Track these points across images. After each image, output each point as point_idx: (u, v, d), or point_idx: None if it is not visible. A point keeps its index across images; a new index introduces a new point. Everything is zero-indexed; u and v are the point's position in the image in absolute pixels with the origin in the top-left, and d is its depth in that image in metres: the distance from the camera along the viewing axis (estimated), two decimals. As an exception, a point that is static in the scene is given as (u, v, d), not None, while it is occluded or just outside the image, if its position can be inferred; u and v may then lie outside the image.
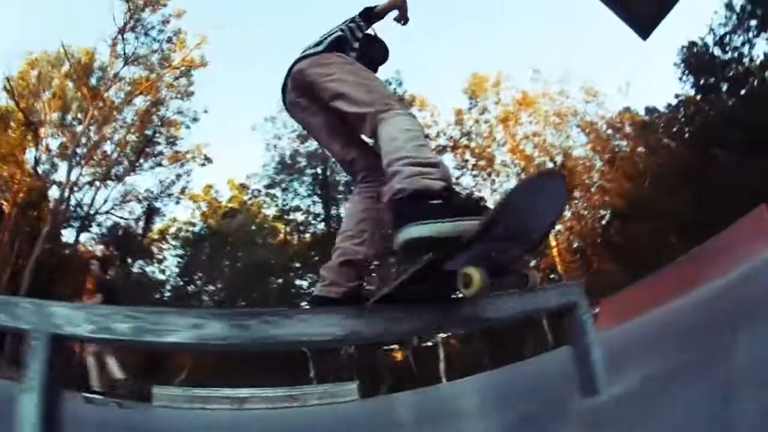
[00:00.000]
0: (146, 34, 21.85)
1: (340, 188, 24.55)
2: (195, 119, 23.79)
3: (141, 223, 23.62)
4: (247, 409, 10.07)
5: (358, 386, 13.78)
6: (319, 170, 25.68)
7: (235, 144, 45.19)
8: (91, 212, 21.74)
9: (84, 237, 22.49)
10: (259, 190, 26.48)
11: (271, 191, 26.12)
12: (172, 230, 25.43)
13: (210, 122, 42.12)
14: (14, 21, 30.37)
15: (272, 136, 25.82)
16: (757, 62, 19.85)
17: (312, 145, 25.33)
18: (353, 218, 1.63)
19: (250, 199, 26.72)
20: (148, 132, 23.20)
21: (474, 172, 26.00)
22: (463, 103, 26.67)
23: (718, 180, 18.19)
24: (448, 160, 24.33)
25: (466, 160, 26.18)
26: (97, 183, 21.64)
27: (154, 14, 21.89)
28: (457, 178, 24.52)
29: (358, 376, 15.63)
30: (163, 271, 25.18)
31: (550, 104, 25.83)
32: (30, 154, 20.87)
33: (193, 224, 25.80)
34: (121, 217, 22.72)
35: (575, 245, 24.07)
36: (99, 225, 22.71)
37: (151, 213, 23.72)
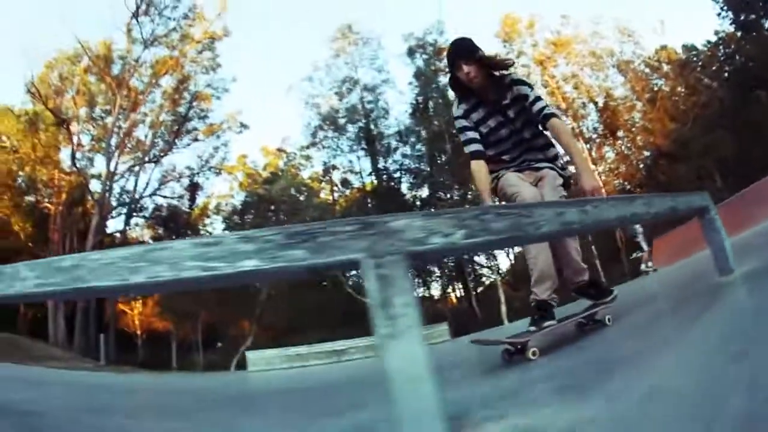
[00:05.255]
0: (161, 15, 21.71)
1: (383, 141, 25.00)
2: (225, 90, 23.96)
3: (185, 201, 23.90)
4: (347, 361, 9.95)
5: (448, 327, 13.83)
6: (361, 124, 25.32)
7: (268, 109, 44.77)
8: (136, 197, 22.29)
9: (132, 222, 23.19)
10: (295, 153, 26.19)
11: (306, 152, 25.81)
12: (212, 205, 25.45)
13: (241, 91, 42.59)
14: (26, 24, 30.51)
15: (308, 96, 25.49)
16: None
17: (351, 100, 25.29)
18: None
19: (286, 163, 26.39)
20: (181, 110, 23.32)
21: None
22: (497, 48, 25.06)
23: (760, 120, 17.60)
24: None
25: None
26: (136, 168, 22.07)
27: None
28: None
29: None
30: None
31: (584, 45, 24.47)
32: (65, 153, 21.30)
33: (232, 196, 25.58)
34: (165, 196, 23.15)
35: (619, 186, 23.30)
36: (144, 209, 23.34)
37: (194, 189, 23.96)
